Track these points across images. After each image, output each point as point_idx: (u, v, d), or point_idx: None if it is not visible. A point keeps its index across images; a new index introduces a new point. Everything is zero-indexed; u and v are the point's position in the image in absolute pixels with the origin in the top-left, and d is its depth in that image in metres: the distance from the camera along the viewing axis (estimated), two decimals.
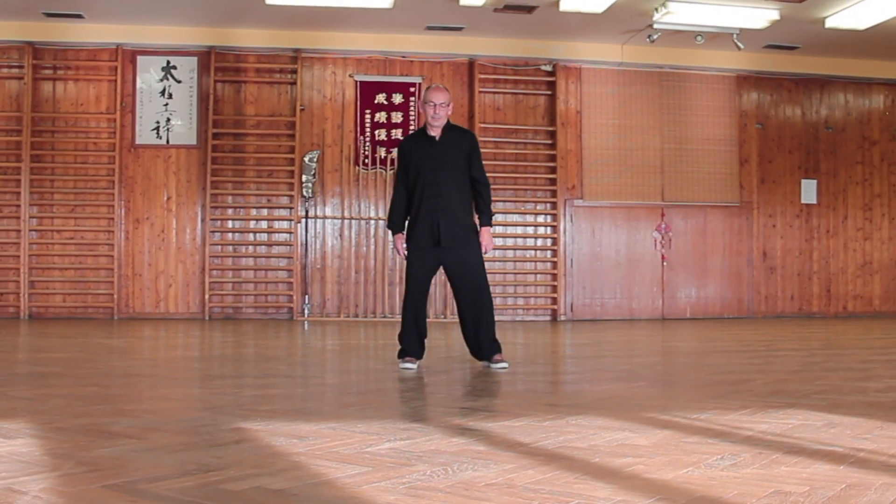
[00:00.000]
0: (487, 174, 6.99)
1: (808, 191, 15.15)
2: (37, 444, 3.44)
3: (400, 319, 6.96)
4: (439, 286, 13.16)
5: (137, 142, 13.36)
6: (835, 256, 15.27)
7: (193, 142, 13.47)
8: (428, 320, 6.95)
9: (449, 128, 6.82)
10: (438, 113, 6.68)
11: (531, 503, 2.65)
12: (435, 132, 6.75)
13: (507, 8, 12.36)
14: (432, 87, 6.85)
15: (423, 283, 6.78)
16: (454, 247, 6.66)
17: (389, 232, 7.29)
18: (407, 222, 6.82)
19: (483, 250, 6.75)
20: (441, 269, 6.89)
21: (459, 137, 6.83)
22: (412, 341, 6.74)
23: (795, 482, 2.92)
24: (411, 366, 6.58)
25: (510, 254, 14.15)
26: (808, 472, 3.08)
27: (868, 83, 15.39)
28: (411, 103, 13.82)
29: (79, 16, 12.65)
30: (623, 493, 2.77)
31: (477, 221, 6.83)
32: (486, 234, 6.77)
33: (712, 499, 2.71)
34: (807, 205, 15.16)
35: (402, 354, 6.75)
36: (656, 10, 12.27)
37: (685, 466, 3.16)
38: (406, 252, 6.78)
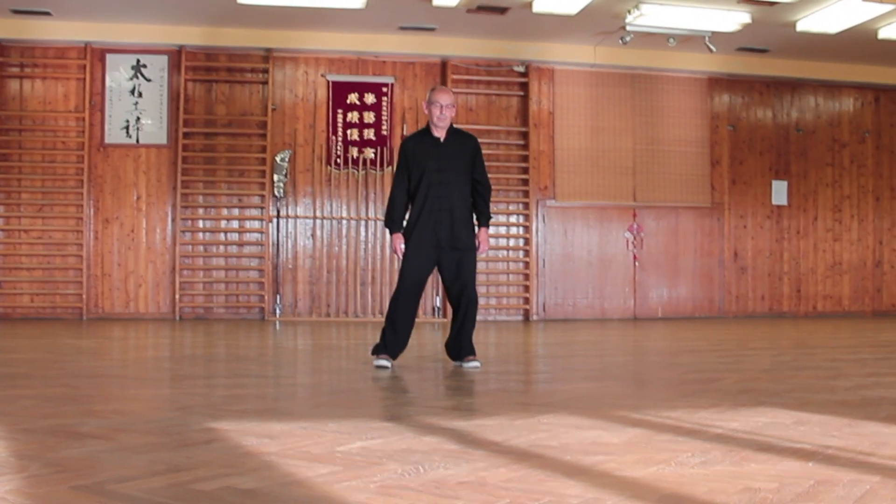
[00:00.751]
0: None
1: (779, 192, 15.26)
2: (4, 446, 3.40)
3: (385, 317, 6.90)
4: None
5: (107, 141, 13.25)
6: (805, 257, 15.38)
7: (164, 141, 13.38)
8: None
9: (452, 130, 6.84)
10: (444, 114, 6.69)
11: (503, 501, 2.64)
12: (440, 133, 6.76)
13: (480, 9, 12.36)
14: (437, 88, 6.86)
15: (419, 281, 6.74)
16: (454, 247, 6.68)
17: (387, 231, 7.12)
18: (409, 219, 6.79)
19: (479, 251, 6.82)
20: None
21: (463, 140, 6.85)
22: (392, 340, 6.68)
23: (765, 479, 2.93)
24: (385, 364, 6.54)
25: (483, 254, 14.11)
26: (778, 468, 3.09)
27: (838, 86, 15.52)
28: (383, 103, 13.79)
29: (47, 13, 12.53)
30: (594, 491, 2.77)
31: (476, 223, 6.85)
32: (483, 234, 6.88)
33: (683, 496, 2.72)
34: (777, 206, 15.27)
35: (379, 350, 6.68)
36: (629, 12, 12.31)
37: (656, 464, 3.17)
38: (403, 250, 6.74)
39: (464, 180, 6.75)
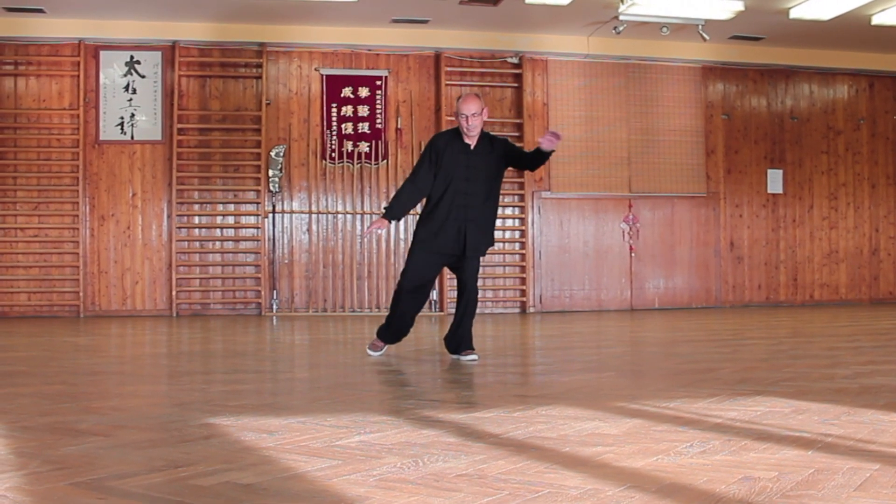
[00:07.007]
0: None
1: (774, 180, 15.26)
2: (3, 443, 3.39)
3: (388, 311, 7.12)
4: None
5: (101, 138, 13.23)
6: (801, 245, 15.39)
7: (158, 137, 13.36)
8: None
9: (483, 136, 6.75)
10: (472, 123, 6.60)
11: (502, 493, 2.64)
12: (471, 140, 6.70)
13: (473, 0, 12.34)
14: (463, 97, 6.73)
15: (422, 283, 6.81)
16: (474, 256, 6.75)
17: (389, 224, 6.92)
18: (426, 222, 6.74)
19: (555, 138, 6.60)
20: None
21: (493, 145, 6.77)
22: (396, 329, 6.97)
23: (764, 468, 2.94)
24: (376, 353, 6.95)
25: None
26: (777, 457, 3.10)
27: (832, 73, 15.52)
28: (377, 97, 13.77)
29: (40, 10, 12.50)
30: (593, 482, 2.77)
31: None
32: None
33: (682, 486, 2.72)
34: (773, 194, 15.28)
35: (382, 334, 7.03)
36: (622, 1, 12.29)
37: (655, 454, 3.17)
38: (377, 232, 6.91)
39: (492, 190, 6.76)
